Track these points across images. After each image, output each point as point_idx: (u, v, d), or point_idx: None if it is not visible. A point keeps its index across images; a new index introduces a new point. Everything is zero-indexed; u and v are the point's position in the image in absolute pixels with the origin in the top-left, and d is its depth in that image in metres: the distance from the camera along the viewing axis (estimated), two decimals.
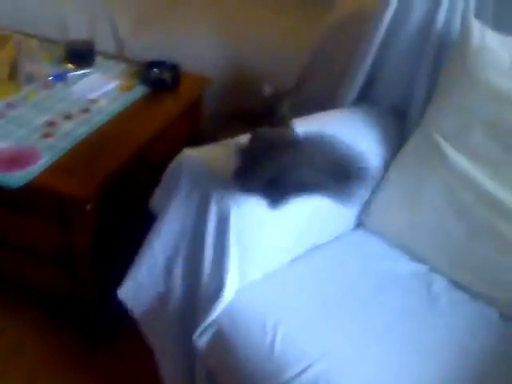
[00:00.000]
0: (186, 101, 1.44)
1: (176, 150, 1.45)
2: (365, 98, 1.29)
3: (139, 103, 1.38)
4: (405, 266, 1.08)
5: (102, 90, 1.40)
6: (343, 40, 1.70)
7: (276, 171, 0.85)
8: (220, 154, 0.98)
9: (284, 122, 0.93)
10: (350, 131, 1.14)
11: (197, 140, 1.56)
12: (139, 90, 1.42)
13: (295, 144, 0.89)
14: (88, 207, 1.08)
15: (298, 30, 1.85)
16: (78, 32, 1.49)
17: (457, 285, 1.05)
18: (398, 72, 1.22)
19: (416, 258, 1.09)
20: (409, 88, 1.21)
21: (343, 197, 0.88)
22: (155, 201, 1.07)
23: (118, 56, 1.66)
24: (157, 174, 1.03)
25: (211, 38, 1.86)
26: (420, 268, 1.08)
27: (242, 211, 0.94)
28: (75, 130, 1.25)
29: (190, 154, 0.98)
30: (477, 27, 1.05)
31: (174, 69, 1.47)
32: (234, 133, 1.07)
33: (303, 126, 1.08)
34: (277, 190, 0.85)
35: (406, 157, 1.14)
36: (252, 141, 0.95)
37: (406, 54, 1.19)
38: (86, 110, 1.32)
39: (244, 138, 0.99)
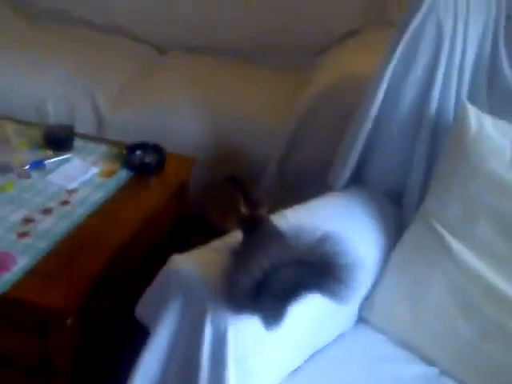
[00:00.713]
0: (172, 186, 1.37)
1: (163, 239, 1.37)
2: (357, 179, 1.24)
3: (123, 191, 1.29)
4: (412, 368, 1.00)
5: (82, 178, 1.31)
6: (325, 111, 1.68)
7: (261, 274, 0.77)
8: (213, 259, 0.90)
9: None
10: (346, 219, 1.08)
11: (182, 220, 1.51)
12: (122, 176, 1.34)
13: (279, 239, 0.83)
14: (69, 321, 0.99)
15: (278, 103, 1.83)
16: (56, 112, 1.42)
17: None
18: (391, 155, 1.16)
19: (424, 359, 1.01)
20: (404, 172, 1.15)
21: (341, 294, 0.81)
22: (142, 309, 0.98)
23: (99, 137, 1.59)
24: (141, 268, 0.96)
25: (192, 111, 1.82)
26: (429, 371, 1.00)
27: (240, 328, 0.85)
28: (54, 227, 1.16)
29: (180, 262, 0.90)
30: (473, 112, 1.00)
31: (158, 151, 1.41)
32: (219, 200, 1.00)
33: (295, 217, 1.03)
34: (268, 299, 0.77)
35: (407, 249, 1.07)
36: (242, 244, 0.88)
37: (400, 138, 1.13)
38: (65, 202, 1.23)
39: (235, 240, 0.92)
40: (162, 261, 0.91)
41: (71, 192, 1.27)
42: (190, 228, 1.57)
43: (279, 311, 0.78)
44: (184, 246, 0.95)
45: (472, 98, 1.06)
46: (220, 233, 1.81)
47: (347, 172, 1.21)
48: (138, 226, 1.19)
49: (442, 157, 1.05)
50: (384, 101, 1.12)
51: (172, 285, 0.88)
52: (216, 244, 0.96)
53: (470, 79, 1.07)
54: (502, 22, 1.07)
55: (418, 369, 1.00)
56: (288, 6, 2.12)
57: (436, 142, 1.10)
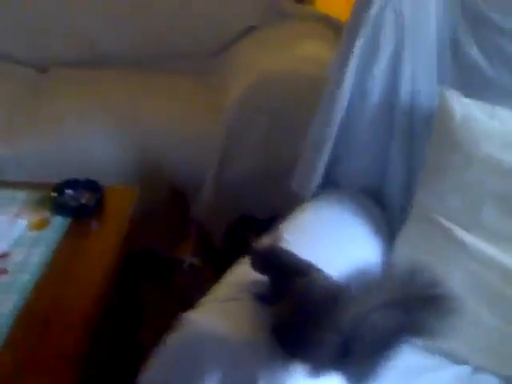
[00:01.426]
0: (119, 225, 1.16)
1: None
2: (326, 181, 1.16)
3: (65, 243, 1.07)
4: (446, 373, 0.93)
5: (10, 237, 1.07)
6: (252, 115, 1.57)
7: (349, 325, 0.65)
8: (236, 311, 0.75)
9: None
10: (346, 231, 1.00)
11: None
12: (58, 225, 1.12)
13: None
14: None
15: (189, 110, 1.71)
16: None
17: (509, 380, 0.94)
18: (364, 154, 1.08)
19: (455, 360, 0.95)
20: (379, 169, 1.08)
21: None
22: None
23: (13, 182, 1.30)
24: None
25: (101, 134, 1.61)
26: (462, 370, 0.94)
27: None
28: None
29: (204, 323, 0.72)
30: (455, 98, 0.95)
31: (93, 187, 1.20)
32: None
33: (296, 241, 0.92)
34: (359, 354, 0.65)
35: (411, 249, 0.99)
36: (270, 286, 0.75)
37: (372, 135, 1.06)
38: (2, 272, 1.01)
39: (254, 283, 0.78)
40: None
41: (3, 257, 1.04)
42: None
43: (371, 366, 0.66)
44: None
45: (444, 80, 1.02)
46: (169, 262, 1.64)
47: (318, 177, 1.11)
48: (101, 283, 0.99)
49: (430, 148, 0.99)
50: (349, 99, 1.05)
51: (202, 352, 0.71)
52: (222, 292, 0.82)
53: (437, 65, 1.02)
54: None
55: (451, 372, 0.93)
56: (177, 7, 1.98)
57: (412, 134, 1.04)
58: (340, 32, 1.93)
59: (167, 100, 1.75)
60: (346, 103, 1.04)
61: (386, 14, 0.98)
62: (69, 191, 1.19)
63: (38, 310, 0.92)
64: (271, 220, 1.71)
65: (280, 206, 1.63)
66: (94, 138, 1.60)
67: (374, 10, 0.97)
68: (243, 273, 0.85)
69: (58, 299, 0.95)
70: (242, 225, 1.74)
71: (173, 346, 0.74)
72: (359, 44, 0.99)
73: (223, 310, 0.76)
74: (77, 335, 0.87)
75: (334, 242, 0.92)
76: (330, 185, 1.14)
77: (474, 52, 0.99)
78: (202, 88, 1.87)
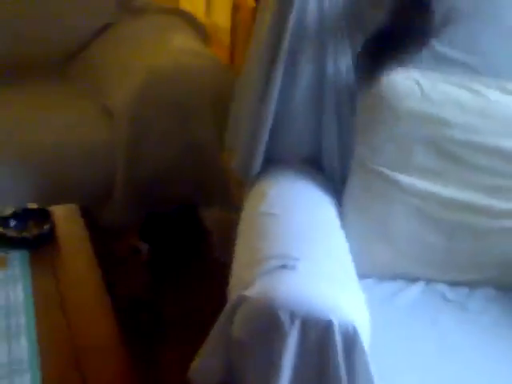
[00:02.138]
0: (82, 240, 1.12)
1: None
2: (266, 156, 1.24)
3: (37, 279, 1.00)
4: (410, 289, 1.12)
5: None
6: (156, 107, 1.58)
7: None
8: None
9: None
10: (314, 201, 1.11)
11: None
12: (18, 261, 1.03)
13: None
14: None
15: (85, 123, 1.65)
16: None
17: (455, 284, 1.15)
18: (301, 127, 1.20)
19: (411, 278, 1.15)
20: (316, 138, 1.21)
21: None
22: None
23: None
24: None
25: None
26: (419, 285, 1.13)
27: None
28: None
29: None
30: (377, 66, 1.12)
31: (41, 212, 1.12)
32: None
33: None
34: None
35: (357, 200, 1.15)
36: None
37: (305, 109, 1.18)
38: None
39: None
40: None
41: None
42: None
43: None
44: None
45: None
46: None
47: (259, 157, 1.21)
48: (102, 298, 0.96)
49: (358, 111, 1.14)
50: (283, 77, 1.15)
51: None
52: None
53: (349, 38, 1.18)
54: None
55: (413, 288, 1.12)
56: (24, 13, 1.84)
57: (339, 105, 1.17)
58: (193, 23, 2.05)
59: (47, 112, 1.66)
60: (277, 91, 1.15)
61: (307, 6, 1.10)
62: (12, 223, 1.10)
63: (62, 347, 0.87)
64: (178, 211, 1.78)
65: (186, 196, 1.72)
66: None
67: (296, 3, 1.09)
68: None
69: (72, 327, 0.90)
70: (153, 222, 1.76)
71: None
72: (289, 31, 1.09)
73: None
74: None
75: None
76: (270, 160, 1.24)
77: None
78: (75, 94, 1.80)
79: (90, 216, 1.52)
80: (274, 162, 1.23)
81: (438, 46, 1.17)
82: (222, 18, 3.59)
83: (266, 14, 1.18)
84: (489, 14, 1.20)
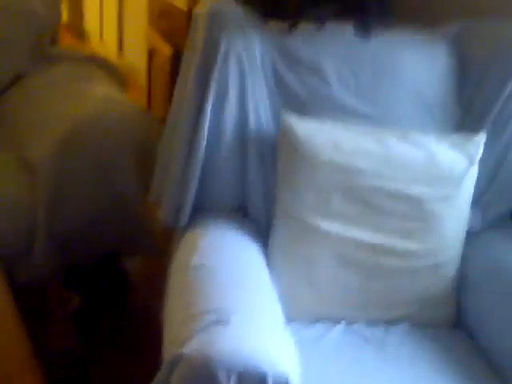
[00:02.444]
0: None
1: None
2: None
3: None
4: (333, 331, 1.18)
5: None
6: (73, 167, 1.56)
7: None
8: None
9: None
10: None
11: None
12: None
13: None
14: None
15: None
16: None
17: (373, 323, 1.22)
18: (227, 177, 1.24)
19: (335, 320, 1.21)
20: (242, 187, 1.25)
21: None
22: None
23: None
24: None
25: None
26: (341, 326, 1.19)
27: None
28: None
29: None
30: (294, 119, 1.19)
31: None
32: None
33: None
34: None
35: (282, 245, 1.21)
36: None
37: (231, 160, 1.23)
38: None
39: None
40: None
41: None
42: None
43: None
44: None
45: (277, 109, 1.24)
46: None
47: (188, 206, 1.23)
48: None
49: (280, 162, 1.21)
50: (207, 132, 1.20)
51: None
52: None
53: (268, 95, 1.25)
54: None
55: (336, 330, 1.18)
56: None
57: (262, 156, 1.24)
58: (109, 69, 2.06)
59: None
60: (204, 142, 1.19)
61: (229, 58, 1.16)
62: None
63: None
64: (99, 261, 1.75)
65: (109, 246, 1.70)
66: None
67: (219, 60, 1.14)
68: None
69: None
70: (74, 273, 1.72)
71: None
72: (212, 90, 1.15)
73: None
74: None
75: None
76: (197, 208, 1.26)
77: (291, 81, 1.25)
78: None
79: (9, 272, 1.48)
80: (201, 210, 1.26)
81: (347, 99, 1.28)
82: (135, 58, 3.63)
83: (193, 60, 1.23)
84: (390, 71, 1.33)
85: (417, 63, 1.31)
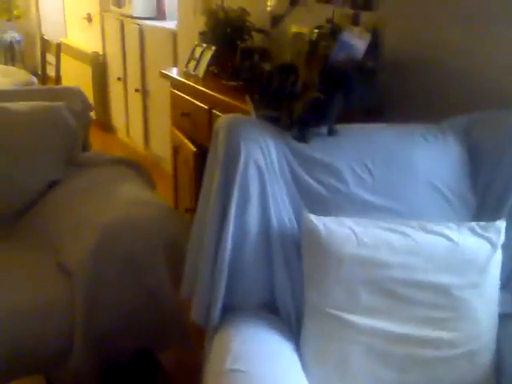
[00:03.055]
0: None
1: None
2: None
3: None
4: None
5: None
6: (106, 265, 1.61)
7: None
8: None
9: None
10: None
11: None
12: None
13: None
14: None
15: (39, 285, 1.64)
16: None
17: None
18: (254, 276, 1.28)
19: None
20: (269, 285, 1.28)
21: None
22: None
23: None
24: None
25: None
26: None
27: None
28: None
29: None
30: (314, 217, 1.23)
31: None
32: None
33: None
34: None
35: (314, 344, 1.22)
36: None
37: (256, 259, 1.27)
38: None
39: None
40: None
41: None
42: None
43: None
44: None
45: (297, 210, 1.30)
46: None
47: (218, 306, 1.26)
48: None
49: (305, 260, 1.24)
50: (233, 236, 1.24)
51: None
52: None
53: (288, 197, 1.30)
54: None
55: None
56: None
57: (286, 253, 1.27)
58: (139, 171, 2.16)
59: (1, 273, 1.66)
60: (230, 245, 1.24)
61: (249, 167, 1.23)
62: None
63: None
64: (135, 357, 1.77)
65: (143, 343, 1.72)
66: None
67: (240, 168, 1.21)
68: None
69: None
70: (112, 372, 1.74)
71: None
72: (235, 198, 1.21)
73: None
74: None
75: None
76: (226, 307, 1.29)
77: (310, 182, 1.30)
78: (27, 252, 1.82)
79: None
80: (231, 308, 1.29)
81: (365, 195, 1.32)
82: (161, 151, 3.79)
83: (215, 169, 1.29)
84: (403, 165, 1.37)
85: (429, 154, 1.36)
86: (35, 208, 1.97)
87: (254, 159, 1.24)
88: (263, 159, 1.25)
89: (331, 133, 1.32)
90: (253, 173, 1.23)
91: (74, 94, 2.21)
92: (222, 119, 1.32)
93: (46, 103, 2.08)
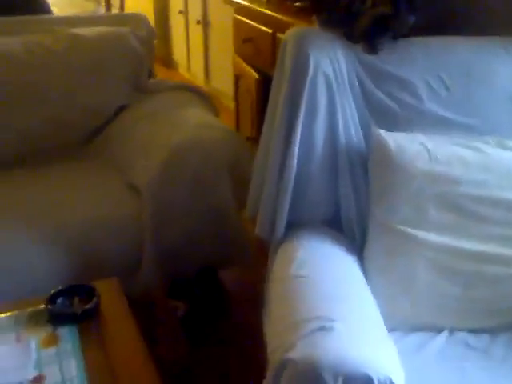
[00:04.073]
0: (125, 315, 1.17)
1: None
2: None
3: (88, 350, 1.05)
4: (435, 340, 1.17)
5: (29, 362, 1.02)
6: (177, 177, 1.66)
7: None
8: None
9: None
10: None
11: None
12: (68, 336, 1.09)
13: None
14: None
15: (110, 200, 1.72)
16: None
17: (477, 331, 1.20)
18: (319, 190, 1.27)
19: (436, 329, 1.20)
20: (334, 200, 1.28)
21: None
22: None
23: None
24: None
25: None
26: (444, 335, 1.18)
27: None
28: None
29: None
30: (385, 133, 1.20)
31: (85, 288, 1.19)
32: None
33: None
34: None
35: (378, 258, 1.21)
36: None
37: (322, 173, 1.26)
38: None
39: None
40: None
41: (39, 381, 0.98)
42: None
43: None
44: None
45: (365, 124, 1.27)
46: None
47: (283, 221, 1.28)
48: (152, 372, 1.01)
49: (373, 176, 1.22)
50: (299, 150, 1.24)
51: None
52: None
53: (356, 110, 1.28)
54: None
55: (438, 339, 1.17)
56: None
57: (355, 167, 1.25)
58: (202, 96, 2.17)
59: (74, 192, 1.75)
60: (296, 159, 1.23)
61: (318, 78, 1.20)
62: (60, 299, 1.17)
63: None
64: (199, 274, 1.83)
65: (207, 260, 1.78)
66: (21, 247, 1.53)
67: (308, 77, 1.19)
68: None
69: None
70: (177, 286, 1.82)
71: None
72: (302, 110, 1.20)
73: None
74: None
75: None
76: (291, 222, 1.30)
77: (380, 96, 1.27)
78: (98, 172, 1.89)
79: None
80: (295, 224, 1.30)
81: (439, 110, 1.27)
82: (222, 84, 3.78)
83: (282, 82, 1.27)
84: (481, 78, 1.31)
85: (509, 68, 1.29)
86: (104, 132, 2.03)
87: (323, 70, 1.21)
88: (332, 71, 1.22)
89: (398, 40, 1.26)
90: (321, 84, 1.21)
91: (139, 20, 2.22)
92: (291, 31, 1.28)
93: (113, 28, 2.11)
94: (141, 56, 2.07)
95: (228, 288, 1.99)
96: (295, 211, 1.29)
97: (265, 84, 2.12)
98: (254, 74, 2.33)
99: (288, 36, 1.28)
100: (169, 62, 4.76)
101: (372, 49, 1.25)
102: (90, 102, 1.98)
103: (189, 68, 4.43)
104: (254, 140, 2.17)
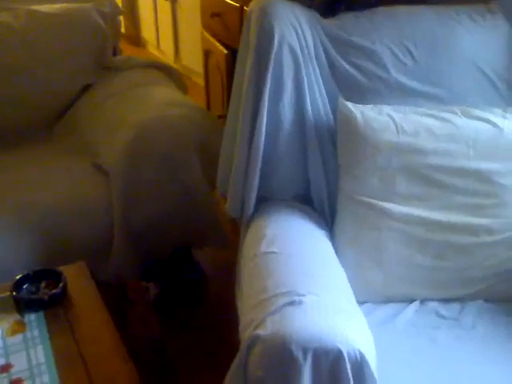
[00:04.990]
0: (93, 298, 1.15)
1: None
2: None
3: (56, 336, 1.04)
4: (408, 310, 1.18)
5: None
6: (144, 158, 1.63)
7: None
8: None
9: None
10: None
11: None
12: (34, 322, 1.07)
13: None
14: None
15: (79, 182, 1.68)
16: None
17: (447, 301, 1.21)
18: (288, 166, 1.26)
19: (405, 299, 1.21)
20: (303, 174, 1.27)
21: None
22: None
23: None
24: None
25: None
26: (416, 304, 1.19)
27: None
28: None
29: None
30: (351, 105, 1.19)
31: (51, 273, 1.16)
32: None
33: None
34: None
35: (347, 229, 1.21)
36: None
37: (291, 149, 1.24)
38: (18, 381, 0.94)
39: None
40: None
41: (6, 369, 0.96)
42: None
43: None
44: None
45: (332, 97, 1.25)
46: None
47: (253, 197, 1.26)
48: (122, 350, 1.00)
49: (341, 149, 1.21)
50: (267, 124, 1.22)
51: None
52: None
53: (323, 83, 1.26)
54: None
55: (410, 309, 1.18)
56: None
57: (321, 142, 1.24)
58: (171, 73, 2.12)
59: (41, 173, 1.70)
60: (264, 134, 1.21)
61: (283, 51, 1.18)
62: (26, 286, 1.14)
63: None
64: (173, 254, 1.81)
65: (180, 240, 1.76)
66: None
67: (274, 50, 1.17)
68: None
69: (95, 382, 0.94)
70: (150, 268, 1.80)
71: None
72: (268, 85, 1.17)
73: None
74: None
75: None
76: (261, 199, 1.29)
77: (346, 67, 1.25)
78: (65, 153, 1.85)
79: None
80: (265, 201, 1.29)
81: (406, 80, 1.26)
82: (191, 61, 3.72)
83: (248, 56, 1.25)
84: (446, 46, 1.29)
85: (475, 36, 1.28)
86: (70, 112, 1.98)
87: (288, 42, 1.18)
88: (298, 43, 1.20)
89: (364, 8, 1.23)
90: (287, 57, 1.18)
91: None
92: (255, 1, 1.25)
93: (75, 4, 2.04)
94: (104, 32, 2.01)
95: (204, 269, 1.98)
96: (265, 188, 1.28)
97: (234, 59, 2.08)
98: (223, 50, 2.29)
99: (252, 7, 1.25)
100: (138, 40, 4.66)
101: (329, 11, 1.22)
102: (52, 81, 1.93)
103: (158, 46, 4.34)
104: (225, 118, 2.14)
